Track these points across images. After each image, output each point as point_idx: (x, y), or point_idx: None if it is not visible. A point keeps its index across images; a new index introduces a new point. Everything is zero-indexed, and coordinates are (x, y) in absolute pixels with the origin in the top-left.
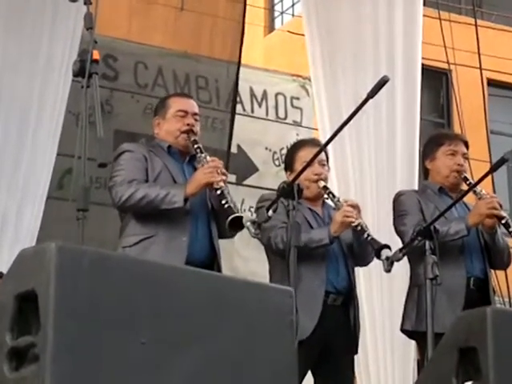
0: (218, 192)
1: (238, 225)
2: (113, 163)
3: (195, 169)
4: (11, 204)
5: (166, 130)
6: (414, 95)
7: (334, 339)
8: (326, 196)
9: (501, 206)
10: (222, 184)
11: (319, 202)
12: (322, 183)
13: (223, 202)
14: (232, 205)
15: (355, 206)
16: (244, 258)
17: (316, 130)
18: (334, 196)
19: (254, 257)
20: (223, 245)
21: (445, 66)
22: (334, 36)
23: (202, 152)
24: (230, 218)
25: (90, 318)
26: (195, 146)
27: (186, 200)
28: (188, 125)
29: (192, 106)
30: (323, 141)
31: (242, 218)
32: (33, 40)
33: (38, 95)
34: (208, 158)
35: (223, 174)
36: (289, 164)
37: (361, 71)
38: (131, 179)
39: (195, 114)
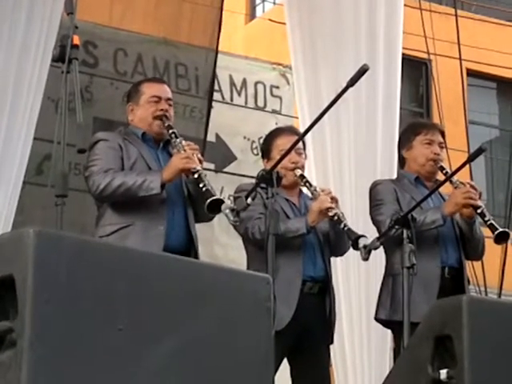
0: (196, 176)
1: (216, 208)
2: (88, 152)
3: (170, 155)
4: None
5: (139, 116)
6: (394, 85)
7: (310, 327)
8: (302, 185)
9: (480, 194)
10: (198, 168)
11: (295, 192)
12: (298, 172)
13: (201, 185)
14: (210, 188)
15: (332, 197)
16: (224, 246)
17: (296, 118)
18: (310, 185)
19: (233, 245)
20: (203, 232)
21: (425, 55)
22: (315, 25)
23: (176, 137)
24: (208, 200)
25: (68, 304)
26: (170, 131)
27: (162, 186)
28: (162, 110)
29: (165, 91)
30: (303, 129)
31: (220, 200)
32: (10, 23)
33: (14, 78)
34: (183, 142)
35: (199, 158)
36: (266, 152)
37: (341, 60)
38: (107, 168)
39: (169, 99)
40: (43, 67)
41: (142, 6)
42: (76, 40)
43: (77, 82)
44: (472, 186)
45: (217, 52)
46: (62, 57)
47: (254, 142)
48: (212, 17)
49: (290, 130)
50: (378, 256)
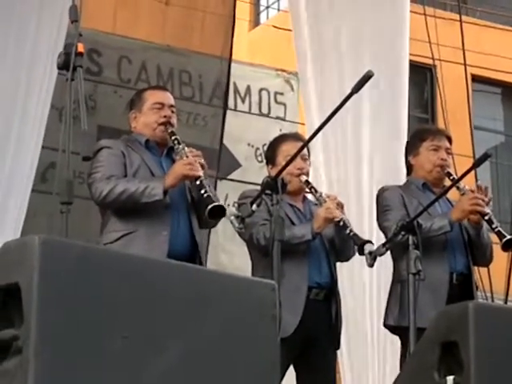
0: (197, 182)
1: (218, 214)
2: (91, 160)
3: (173, 161)
4: None
5: (143, 123)
6: (399, 91)
7: (316, 334)
8: (307, 190)
9: (490, 200)
10: (200, 174)
11: (300, 197)
12: (304, 177)
13: (202, 191)
14: (211, 194)
15: (338, 203)
16: (229, 254)
17: (300, 124)
18: (316, 191)
19: (238, 252)
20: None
21: (429, 61)
22: (320, 31)
23: (179, 143)
24: (209, 206)
25: (73, 312)
26: (173, 137)
27: (165, 192)
28: (165, 117)
29: (168, 98)
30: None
31: (221, 206)
32: (19, 30)
33: (25, 86)
34: (186, 148)
35: (202, 165)
36: (271, 158)
37: (347, 66)
38: (110, 175)
39: (172, 106)
40: (52, 77)
41: (147, 13)
42: (80, 48)
43: (81, 90)
44: (485, 189)
45: (230, 61)
46: (66, 65)
47: (258, 148)
48: (219, 25)
49: (295, 137)
50: (387, 261)
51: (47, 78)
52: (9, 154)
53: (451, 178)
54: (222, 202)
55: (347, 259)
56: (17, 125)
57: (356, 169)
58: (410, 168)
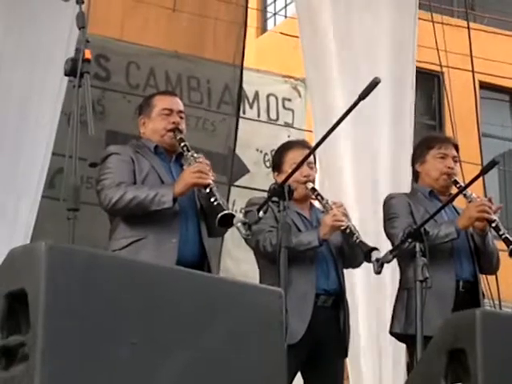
0: (207, 190)
1: (228, 222)
2: (100, 166)
3: (182, 167)
4: (8, 200)
5: (151, 129)
6: (407, 97)
7: (324, 341)
8: (314, 198)
9: (498, 208)
10: (209, 181)
11: (306, 205)
12: (310, 185)
13: (212, 199)
14: (221, 202)
15: (344, 210)
16: (236, 260)
17: (308, 131)
18: (322, 198)
19: (245, 258)
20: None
21: (437, 68)
22: (328, 38)
23: (188, 150)
24: (219, 215)
25: (80, 318)
26: (182, 144)
27: (174, 200)
28: (174, 123)
29: (177, 103)
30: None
31: (231, 214)
32: (32, 36)
33: (38, 91)
34: (195, 155)
35: (210, 173)
36: (277, 165)
37: (355, 73)
38: (119, 182)
39: (180, 111)
40: (63, 80)
41: (154, 20)
42: (88, 54)
43: (88, 96)
44: (489, 200)
45: (242, 67)
46: (73, 71)
47: (266, 154)
48: (235, 32)
49: (301, 144)
50: (394, 269)
51: (58, 84)
52: (22, 158)
53: (458, 186)
54: (232, 211)
55: (359, 265)
56: (32, 130)
57: (363, 176)
58: (416, 176)
